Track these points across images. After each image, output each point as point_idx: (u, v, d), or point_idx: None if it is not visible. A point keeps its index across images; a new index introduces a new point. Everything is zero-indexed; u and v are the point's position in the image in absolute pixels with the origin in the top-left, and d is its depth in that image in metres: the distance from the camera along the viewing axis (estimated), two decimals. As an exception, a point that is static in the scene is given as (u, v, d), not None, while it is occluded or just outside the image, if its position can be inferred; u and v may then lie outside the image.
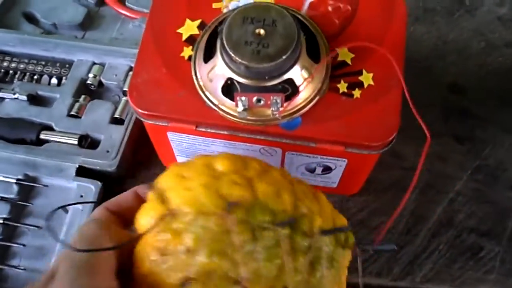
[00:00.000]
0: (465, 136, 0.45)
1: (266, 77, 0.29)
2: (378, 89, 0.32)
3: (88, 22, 0.52)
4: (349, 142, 0.31)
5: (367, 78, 0.32)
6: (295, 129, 0.31)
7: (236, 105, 0.30)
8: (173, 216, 0.22)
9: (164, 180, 0.23)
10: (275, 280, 0.22)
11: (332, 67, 0.32)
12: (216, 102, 0.31)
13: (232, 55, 0.28)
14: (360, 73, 0.32)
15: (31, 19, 0.52)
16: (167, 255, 0.22)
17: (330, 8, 0.34)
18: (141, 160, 0.44)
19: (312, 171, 0.37)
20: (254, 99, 0.30)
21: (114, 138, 0.42)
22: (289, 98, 0.30)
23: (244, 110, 0.30)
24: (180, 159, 0.39)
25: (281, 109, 0.30)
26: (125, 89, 0.46)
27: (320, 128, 0.31)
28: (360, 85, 0.32)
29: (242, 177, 0.23)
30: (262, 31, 0.28)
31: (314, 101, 0.31)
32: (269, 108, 0.30)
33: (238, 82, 0.30)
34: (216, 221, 0.21)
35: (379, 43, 0.32)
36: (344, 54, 0.33)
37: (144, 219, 0.23)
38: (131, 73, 0.46)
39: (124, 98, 0.45)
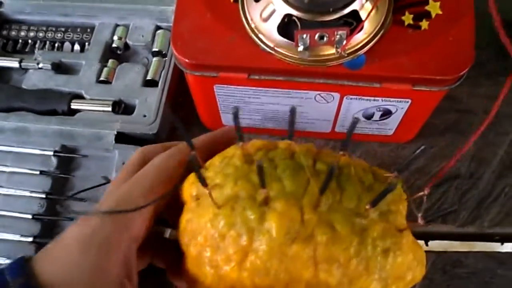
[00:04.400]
0: (520, 73, 0.42)
1: (331, 9, 0.26)
2: (447, 18, 0.29)
3: (104, -19, 0.49)
4: (418, 78, 0.29)
5: (434, 7, 0.29)
6: (360, 68, 0.29)
7: (296, 45, 0.27)
8: (206, 169, 0.24)
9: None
10: (303, 199, 0.22)
11: (394, -3, 0.29)
12: (271, 44, 0.29)
13: (293, -14, 0.25)
14: (426, 2, 0.29)
15: (43, -16, 0.49)
16: (200, 198, 0.24)
17: None
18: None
19: (369, 117, 0.35)
20: (317, 35, 0.27)
21: (149, 102, 0.40)
22: (352, 32, 0.28)
23: (305, 49, 0.27)
24: (225, 116, 0.37)
25: (344, 45, 0.27)
26: (154, 49, 0.43)
27: (387, 65, 0.29)
28: (427, 15, 0.29)
29: (268, 141, 0.26)
30: (323, -43, 0.25)
31: (378, 36, 0.29)
32: (332, 46, 0.27)
33: (298, 18, 0.27)
34: (239, 157, 0.24)
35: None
36: (406, -17, 0.30)
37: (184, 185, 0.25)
38: (158, 32, 0.44)
39: (155, 59, 0.42)
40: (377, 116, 0.34)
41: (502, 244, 0.38)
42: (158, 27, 0.44)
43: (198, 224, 0.24)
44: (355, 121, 0.24)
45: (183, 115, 0.42)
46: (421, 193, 0.28)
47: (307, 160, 0.25)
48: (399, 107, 0.33)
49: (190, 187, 0.27)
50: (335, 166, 0.21)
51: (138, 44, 0.43)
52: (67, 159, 0.39)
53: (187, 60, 0.29)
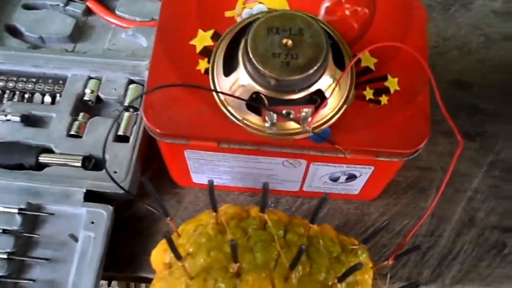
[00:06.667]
0: (475, 132, 0.45)
1: (296, 90, 0.28)
2: (405, 94, 0.31)
3: (78, 34, 0.49)
4: (379, 151, 0.31)
5: (392, 84, 0.31)
6: (324, 141, 0.30)
7: (264, 120, 0.28)
8: (179, 236, 0.27)
9: None
10: (274, 271, 0.24)
11: (356, 74, 0.31)
12: (240, 117, 0.30)
13: (260, 68, 0.27)
14: (385, 79, 0.31)
15: (15, 33, 0.49)
16: (172, 266, 0.25)
17: (347, 12, 0.33)
18: (149, 178, 0.42)
19: (335, 180, 0.36)
20: (283, 112, 0.28)
21: (120, 157, 0.40)
22: (317, 108, 0.29)
23: (272, 124, 0.28)
24: (195, 176, 0.37)
25: (309, 120, 0.29)
26: (126, 104, 0.43)
27: (350, 138, 0.30)
28: (386, 91, 0.31)
29: (239, 207, 0.29)
30: (289, 42, 0.27)
31: (342, 111, 0.30)
32: (298, 121, 0.29)
33: (265, 96, 0.28)
34: (212, 226, 0.25)
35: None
36: (367, 59, 0.32)
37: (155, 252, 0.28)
38: (131, 86, 0.44)
39: (126, 114, 0.43)
40: (342, 179, 0.36)
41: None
42: (131, 81, 0.44)
43: None
44: (324, 199, 0.25)
45: (154, 170, 0.42)
46: (385, 262, 0.29)
47: (278, 231, 0.26)
48: (363, 172, 0.34)
49: (162, 254, 0.27)
50: (304, 246, 0.22)
51: (110, 97, 0.43)
52: (32, 217, 0.38)
53: (158, 130, 0.30)
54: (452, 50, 0.51)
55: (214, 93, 0.30)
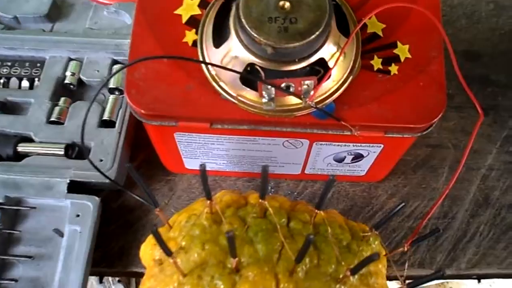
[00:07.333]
0: (488, 106, 0.42)
1: (296, 59, 0.24)
2: (417, 62, 0.28)
3: (56, 13, 0.45)
4: (390, 126, 0.28)
5: (403, 51, 0.28)
6: (329, 117, 0.27)
7: (261, 95, 0.25)
8: (170, 228, 0.24)
9: None
10: (277, 265, 0.21)
11: (362, 41, 0.28)
12: (233, 93, 0.26)
13: (254, 35, 0.23)
14: (394, 46, 0.28)
15: (-13, 13, 0.45)
16: (163, 263, 0.23)
17: (350, -28, 0.29)
18: (139, 166, 0.39)
19: (340, 160, 0.33)
20: (282, 85, 0.25)
21: (106, 144, 0.37)
22: (320, 81, 0.26)
23: (270, 100, 0.25)
24: (188, 161, 0.34)
25: (311, 94, 0.26)
26: (111, 86, 0.40)
27: (357, 113, 0.27)
28: (396, 59, 0.28)
29: (237, 193, 0.26)
30: (287, 4, 0.24)
31: (347, 83, 0.27)
32: (298, 95, 0.26)
33: (261, 68, 0.25)
34: (206, 216, 0.23)
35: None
36: (374, 25, 0.28)
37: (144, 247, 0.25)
38: (115, 66, 0.41)
39: (111, 97, 0.39)
40: (348, 159, 0.33)
41: (479, 282, 0.37)
42: (114, 62, 0.41)
43: None
44: (331, 182, 0.22)
45: (144, 156, 0.39)
46: (400, 249, 0.26)
47: (280, 219, 0.23)
48: (371, 151, 0.31)
49: (152, 250, 0.25)
50: (312, 237, 0.19)
51: (93, 80, 0.40)
52: (12, 212, 0.35)
53: (142, 111, 0.27)
54: (460, 18, 0.47)
55: (204, 66, 0.27)
